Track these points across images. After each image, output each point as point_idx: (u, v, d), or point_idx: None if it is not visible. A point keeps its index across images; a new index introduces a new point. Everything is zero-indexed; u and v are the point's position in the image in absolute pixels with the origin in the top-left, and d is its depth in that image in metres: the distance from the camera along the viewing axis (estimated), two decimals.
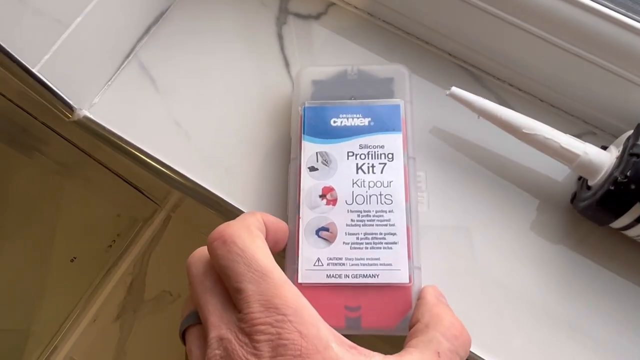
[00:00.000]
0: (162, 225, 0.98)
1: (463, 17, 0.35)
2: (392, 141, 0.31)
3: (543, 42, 0.32)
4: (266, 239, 0.26)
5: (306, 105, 0.32)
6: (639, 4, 0.30)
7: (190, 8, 0.40)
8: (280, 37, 0.39)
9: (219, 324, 0.23)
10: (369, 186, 0.30)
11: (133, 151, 0.36)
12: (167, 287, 0.94)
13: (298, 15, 0.39)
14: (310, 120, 0.32)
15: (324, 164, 0.31)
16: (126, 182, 0.81)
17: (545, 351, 0.31)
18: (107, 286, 0.97)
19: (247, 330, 0.22)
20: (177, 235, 0.97)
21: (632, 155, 0.28)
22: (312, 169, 0.31)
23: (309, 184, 0.30)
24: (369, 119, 0.32)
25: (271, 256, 0.24)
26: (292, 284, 0.23)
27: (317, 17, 0.39)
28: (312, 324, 0.22)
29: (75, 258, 0.97)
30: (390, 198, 0.29)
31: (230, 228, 0.24)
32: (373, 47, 0.38)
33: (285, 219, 0.30)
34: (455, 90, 0.32)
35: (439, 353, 0.23)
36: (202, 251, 0.26)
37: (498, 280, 0.32)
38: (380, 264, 0.28)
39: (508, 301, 0.32)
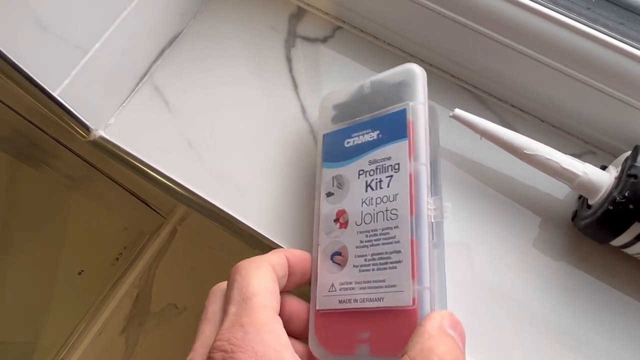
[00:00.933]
0: (168, 238, 0.99)
1: (466, 41, 0.36)
2: (397, 150, 0.28)
3: (544, 67, 0.34)
4: (292, 272, 0.27)
5: (324, 133, 0.33)
6: (634, 30, 0.31)
7: (202, 32, 0.41)
8: (288, 60, 0.40)
9: (196, 348, 0.24)
10: (376, 203, 0.28)
11: (146, 170, 0.37)
12: (173, 299, 0.94)
13: (306, 39, 0.41)
14: (327, 147, 0.32)
15: (338, 187, 0.30)
16: (133, 195, 0.82)
17: None
18: (114, 299, 0.98)
19: (211, 347, 0.22)
20: (184, 248, 0.98)
21: (630, 176, 0.29)
22: (329, 194, 0.30)
23: (326, 209, 0.30)
24: (378, 131, 0.30)
25: (269, 284, 0.25)
26: (272, 309, 0.24)
27: (325, 40, 0.41)
28: (273, 348, 0.22)
29: (82, 271, 0.98)
30: (396, 212, 0.27)
31: (246, 260, 0.26)
32: (379, 69, 0.39)
33: (302, 238, 0.31)
34: (458, 112, 0.33)
35: None
36: (224, 283, 0.27)
37: (500, 296, 0.33)
38: (386, 286, 0.26)
39: (509, 316, 0.32)
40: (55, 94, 0.32)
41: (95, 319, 0.96)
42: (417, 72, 0.30)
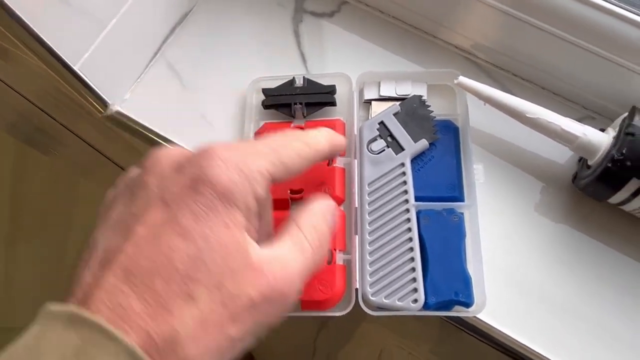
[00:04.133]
0: None
1: (469, 12, 0.37)
2: None
3: (545, 34, 0.35)
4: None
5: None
6: None
7: (212, 9, 0.42)
8: (297, 35, 0.41)
9: None
10: None
11: (162, 142, 0.38)
12: None
13: (313, 14, 0.42)
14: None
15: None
16: None
17: (546, 324, 0.33)
18: None
19: None
20: None
21: (627, 134, 0.30)
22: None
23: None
24: None
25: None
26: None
27: (331, 15, 0.42)
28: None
29: None
30: None
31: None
32: (384, 42, 0.41)
33: None
34: (462, 79, 0.35)
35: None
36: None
37: (502, 262, 0.34)
38: None
39: (513, 281, 0.34)
40: (75, 68, 0.33)
41: None
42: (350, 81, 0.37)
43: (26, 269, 1.05)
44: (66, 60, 0.33)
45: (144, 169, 0.22)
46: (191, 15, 0.42)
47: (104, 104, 0.38)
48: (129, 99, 0.39)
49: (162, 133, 0.38)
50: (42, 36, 0.30)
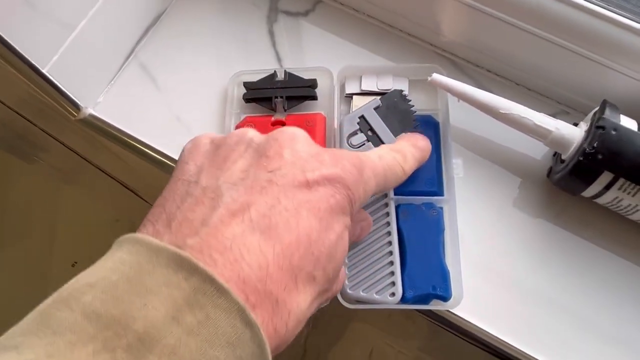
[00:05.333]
0: None
1: (443, 10, 0.37)
2: None
3: (518, 31, 0.35)
4: None
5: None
6: None
7: (185, 10, 0.42)
8: (271, 34, 0.41)
9: None
10: None
11: (137, 145, 0.38)
12: None
13: (287, 13, 0.42)
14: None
15: None
16: (124, 186, 0.83)
17: (523, 317, 0.33)
18: None
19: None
20: None
21: (598, 127, 0.30)
22: None
23: None
24: None
25: None
26: None
27: (306, 14, 0.42)
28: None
29: (76, 263, 0.99)
30: None
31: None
32: (359, 40, 0.41)
33: None
34: (436, 76, 0.35)
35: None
36: None
37: (481, 258, 0.34)
38: None
39: (492, 277, 0.34)
40: (44, 71, 0.33)
41: None
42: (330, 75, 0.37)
43: (8, 276, 1.04)
44: (34, 64, 0.32)
45: (280, 138, 0.23)
46: (165, 16, 0.42)
47: (76, 107, 0.38)
48: (102, 102, 0.39)
49: (136, 136, 0.38)
50: (8, 40, 0.30)
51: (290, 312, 0.20)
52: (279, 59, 0.40)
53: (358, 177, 0.23)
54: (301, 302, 0.21)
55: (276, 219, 0.21)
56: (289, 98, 0.37)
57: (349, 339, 0.87)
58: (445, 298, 0.31)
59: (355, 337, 0.86)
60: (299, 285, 0.21)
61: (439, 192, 0.34)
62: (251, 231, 0.20)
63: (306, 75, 0.37)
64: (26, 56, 0.31)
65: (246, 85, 0.37)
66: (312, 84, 0.37)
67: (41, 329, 0.17)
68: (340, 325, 0.88)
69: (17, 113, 0.66)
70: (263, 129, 0.35)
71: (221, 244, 0.20)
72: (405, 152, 0.29)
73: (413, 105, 0.35)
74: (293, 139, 0.23)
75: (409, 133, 0.33)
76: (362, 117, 0.35)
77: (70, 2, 0.33)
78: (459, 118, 0.37)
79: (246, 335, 0.18)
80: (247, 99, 0.37)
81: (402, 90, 0.36)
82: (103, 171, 0.78)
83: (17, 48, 0.31)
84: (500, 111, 0.34)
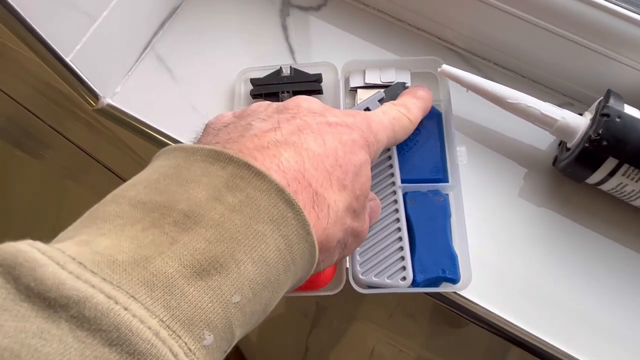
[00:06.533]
0: None
1: (450, 4, 0.38)
2: None
3: (524, 23, 0.36)
4: None
5: None
6: None
7: (201, 3, 0.43)
8: (284, 28, 0.42)
9: None
10: None
11: (154, 134, 0.39)
12: None
13: (300, 8, 0.43)
14: None
15: None
16: None
17: (531, 300, 0.34)
18: None
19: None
20: None
21: (602, 115, 0.31)
22: None
23: None
24: None
25: None
26: None
27: (318, 8, 0.43)
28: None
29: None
30: None
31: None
32: (369, 34, 0.42)
33: None
34: (445, 67, 0.36)
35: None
36: None
37: (488, 248, 0.35)
38: None
39: (499, 267, 0.35)
40: (67, 60, 0.34)
41: None
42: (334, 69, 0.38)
43: None
44: (59, 52, 0.33)
45: (297, 99, 0.26)
46: (180, 10, 0.43)
47: (95, 96, 0.39)
48: (120, 92, 0.40)
49: (153, 125, 0.39)
50: (35, 27, 0.31)
51: (330, 207, 0.21)
52: (292, 52, 0.41)
53: (368, 129, 0.25)
54: (338, 202, 0.22)
55: (305, 136, 0.22)
56: (296, 93, 0.38)
57: (350, 337, 0.87)
58: (454, 280, 0.32)
59: (357, 335, 0.87)
60: (333, 186, 0.22)
61: (444, 179, 0.35)
62: (284, 142, 0.22)
63: (311, 71, 0.38)
64: (51, 44, 0.32)
65: (253, 81, 0.38)
66: (318, 78, 0.38)
67: (91, 221, 0.18)
68: (341, 323, 0.88)
69: (26, 108, 0.66)
70: None
71: (259, 145, 0.21)
72: (407, 103, 0.31)
73: None
74: (307, 99, 0.26)
75: (409, 88, 0.35)
76: (367, 109, 0.36)
77: None
78: (463, 109, 0.38)
79: (289, 214, 0.19)
80: (254, 95, 0.38)
81: (404, 83, 0.37)
82: (109, 169, 0.79)
83: (43, 35, 0.32)
84: (508, 101, 0.35)
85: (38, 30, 0.31)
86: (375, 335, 0.86)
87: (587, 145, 0.32)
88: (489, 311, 0.34)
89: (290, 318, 0.87)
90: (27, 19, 0.30)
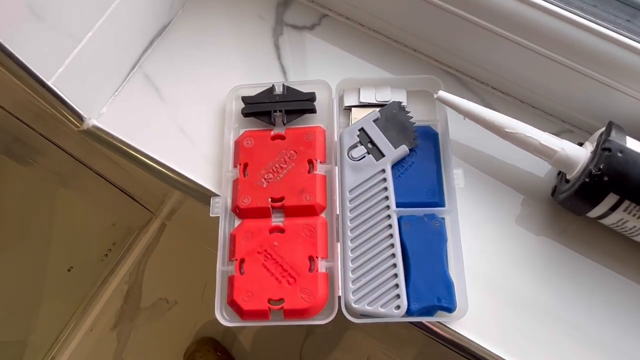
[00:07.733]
0: (157, 233, 1.00)
1: (449, 27, 0.37)
2: None
3: (523, 49, 0.35)
4: None
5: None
6: (607, 12, 0.33)
7: (191, 22, 0.42)
8: (277, 47, 0.41)
9: None
10: None
11: (141, 157, 0.38)
12: (163, 294, 0.95)
13: (294, 27, 0.42)
14: None
15: None
16: (121, 191, 0.82)
17: (527, 334, 0.33)
18: (104, 295, 0.98)
19: None
20: (172, 242, 0.99)
21: (604, 149, 0.30)
22: None
23: None
24: None
25: None
26: None
27: (312, 27, 0.42)
28: None
29: (72, 267, 0.98)
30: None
31: None
32: (365, 55, 0.41)
33: None
34: (442, 93, 0.35)
35: None
36: None
37: (484, 273, 0.34)
38: None
39: (493, 292, 0.34)
40: (49, 83, 0.33)
41: (86, 316, 0.96)
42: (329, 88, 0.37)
43: (5, 280, 1.03)
44: (39, 76, 0.32)
45: None
46: (170, 28, 0.42)
47: (80, 118, 0.37)
48: (106, 113, 0.39)
49: (139, 147, 0.38)
50: (13, 52, 0.30)
51: None
52: (284, 72, 0.40)
53: None
54: None
55: None
56: (288, 112, 0.36)
57: (344, 347, 0.86)
58: (450, 309, 0.31)
59: (351, 345, 0.86)
60: None
61: (440, 203, 0.34)
62: None
63: (304, 89, 0.37)
64: (32, 68, 0.31)
65: (244, 99, 0.37)
66: (311, 97, 0.37)
67: None
68: (336, 333, 0.87)
69: (14, 116, 0.65)
70: (263, 143, 0.35)
71: None
72: None
73: (412, 117, 0.35)
74: None
75: None
76: (361, 129, 0.35)
77: (77, 15, 0.33)
78: (460, 134, 0.37)
79: None
80: (246, 114, 0.37)
81: (400, 102, 0.36)
82: (100, 175, 0.78)
83: (22, 60, 0.30)
84: (506, 130, 0.34)
85: (17, 55, 0.30)
86: (370, 345, 0.85)
87: (587, 180, 0.30)
88: (483, 348, 0.32)
89: (285, 327, 0.86)
90: (4, 44, 0.29)
